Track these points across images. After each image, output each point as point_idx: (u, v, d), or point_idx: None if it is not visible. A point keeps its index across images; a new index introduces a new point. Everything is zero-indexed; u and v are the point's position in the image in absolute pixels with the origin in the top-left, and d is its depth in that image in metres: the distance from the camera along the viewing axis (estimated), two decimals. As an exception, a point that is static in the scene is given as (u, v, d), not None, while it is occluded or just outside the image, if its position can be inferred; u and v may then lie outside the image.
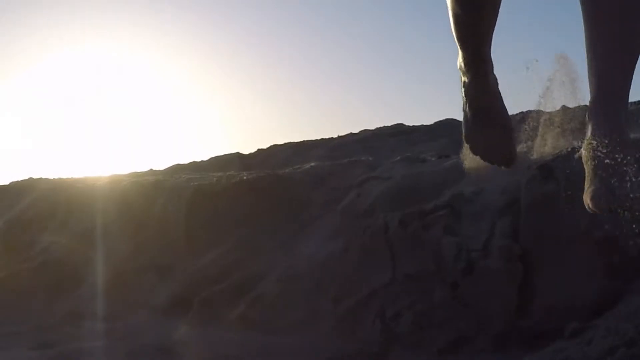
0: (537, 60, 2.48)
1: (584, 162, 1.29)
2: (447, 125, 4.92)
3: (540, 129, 2.63)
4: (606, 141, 1.21)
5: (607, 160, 1.19)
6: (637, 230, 1.51)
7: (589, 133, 1.28)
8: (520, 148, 2.74)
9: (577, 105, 2.41)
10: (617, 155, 1.19)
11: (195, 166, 5.11)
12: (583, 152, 1.29)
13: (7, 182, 5.53)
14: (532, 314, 1.92)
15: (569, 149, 2.11)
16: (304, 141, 5.31)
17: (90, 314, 3.11)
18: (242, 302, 2.63)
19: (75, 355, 2.56)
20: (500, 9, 1.79)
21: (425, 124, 5.34)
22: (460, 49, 2.02)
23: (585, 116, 1.34)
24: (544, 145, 2.52)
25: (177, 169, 5.12)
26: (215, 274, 2.87)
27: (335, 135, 5.48)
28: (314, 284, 2.54)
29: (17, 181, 5.53)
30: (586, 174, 1.27)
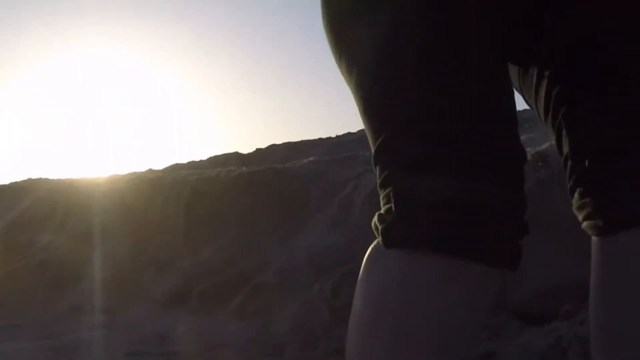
0: None
1: None
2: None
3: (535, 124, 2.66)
4: None
5: None
6: None
7: None
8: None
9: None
10: None
11: (194, 165, 5.14)
12: None
13: (6, 182, 5.56)
14: (527, 297, 1.95)
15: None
16: (302, 141, 5.35)
17: (91, 308, 3.13)
18: (241, 293, 2.66)
19: (76, 345, 2.58)
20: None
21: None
22: None
23: None
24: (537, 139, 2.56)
25: (176, 168, 5.14)
26: (215, 267, 2.90)
27: (333, 135, 5.52)
28: (312, 274, 2.57)
29: (17, 182, 5.56)
30: None
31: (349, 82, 0.82)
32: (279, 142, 5.48)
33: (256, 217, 2.99)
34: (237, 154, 5.26)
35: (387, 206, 0.76)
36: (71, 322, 3.02)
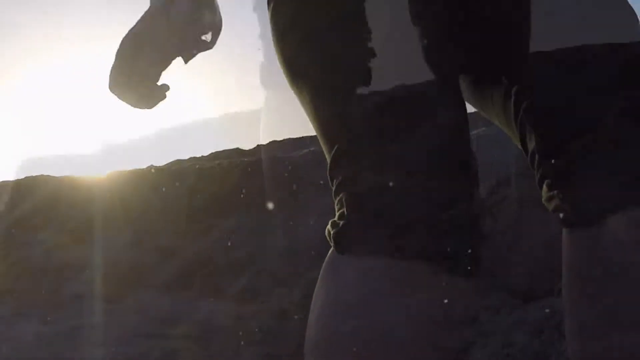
0: None
1: None
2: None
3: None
4: None
5: None
6: None
7: None
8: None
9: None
10: None
11: (195, 161, 5.17)
12: None
13: (7, 180, 5.58)
14: (522, 276, 1.99)
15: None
16: (302, 137, 5.36)
17: (95, 295, 3.17)
18: (242, 278, 2.70)
19: (81, 330, 2.62)
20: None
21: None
22: None
23: None
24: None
25: (177, 164, 5.18)
26: (217, 253, 2.94)
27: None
28: (312, 259, 2.62)
29: (18, 179, 5.59)
30: None
31: (303, 89, 0.79)
32: (279, 138, 5.49)
33: (257, 204, 3.03)
34: (238, 150, 5.28)
35: (340, 211, 0.72)
36: (76, 308, 3.06)
